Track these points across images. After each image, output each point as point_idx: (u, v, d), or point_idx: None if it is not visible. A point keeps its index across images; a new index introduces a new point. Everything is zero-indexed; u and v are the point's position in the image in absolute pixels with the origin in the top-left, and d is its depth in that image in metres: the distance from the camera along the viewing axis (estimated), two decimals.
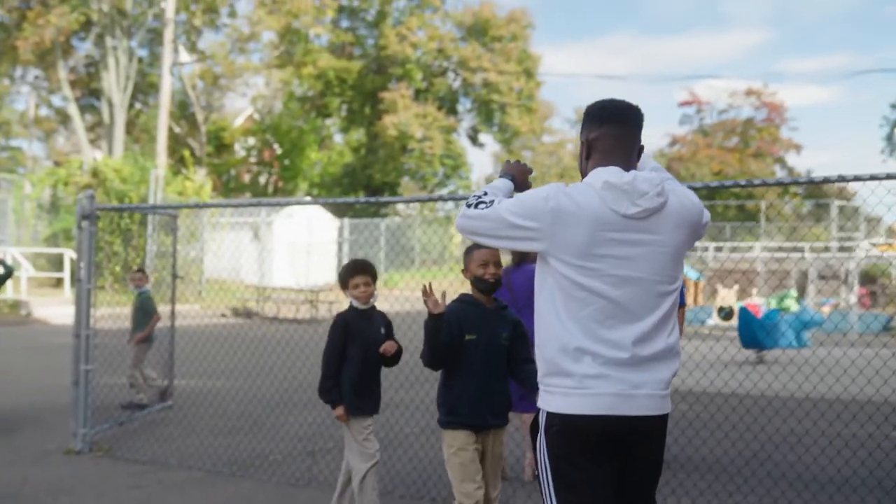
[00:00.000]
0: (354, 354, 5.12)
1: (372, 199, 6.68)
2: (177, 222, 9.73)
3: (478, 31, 44.15)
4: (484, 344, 4.34)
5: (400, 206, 41.53)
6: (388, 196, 44.43)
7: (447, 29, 44.94)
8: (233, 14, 41.41)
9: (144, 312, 9.55)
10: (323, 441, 7.78)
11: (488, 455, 4.45)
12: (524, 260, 6.64)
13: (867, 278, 26.67)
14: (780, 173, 47.22)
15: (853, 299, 23.58)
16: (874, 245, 26.28)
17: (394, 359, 5.17)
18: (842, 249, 26.72)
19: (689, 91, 55.03)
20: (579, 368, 2.76)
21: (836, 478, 6.36)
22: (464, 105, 46.79)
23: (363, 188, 43.87)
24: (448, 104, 45.26)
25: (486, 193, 3.01)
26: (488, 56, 43.07)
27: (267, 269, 28.12)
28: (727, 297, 20.99)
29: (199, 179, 28.92)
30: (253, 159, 45.07)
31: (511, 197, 3.01)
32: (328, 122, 46.61)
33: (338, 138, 47.62)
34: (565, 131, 53.87)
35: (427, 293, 4.17)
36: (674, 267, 2.90)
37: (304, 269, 29.20)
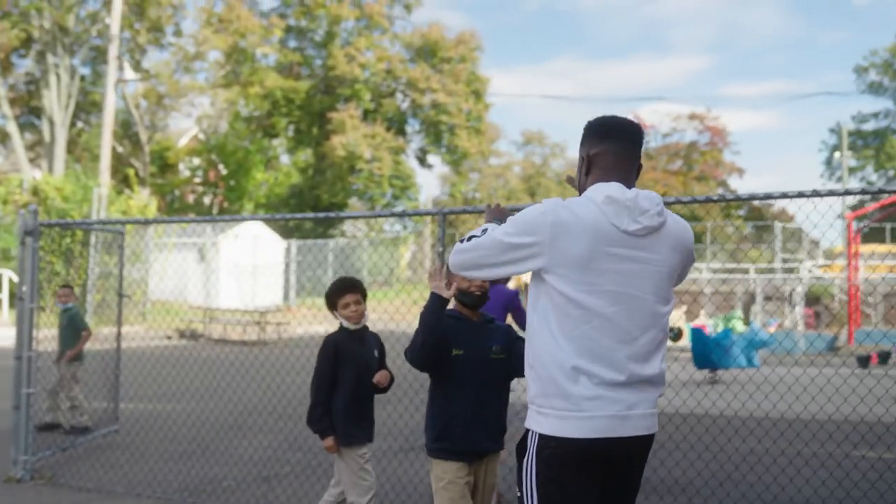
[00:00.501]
0: (346, 379, 4.79)
1: (333, 215, 6.52)
2: (124, 238, 9.43)
3: (426, 52, 44.31)
4: (473, 360, 4.04)
5: (347, 228, 41.28)
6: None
7: (396, 50, 45.06)
8: (178, 33, 41.03)
9: (73, 329, 9.09)
10: (279, 466, 7.53)
11: (480, 487, 4.16)
12: (496, 280, 6.50)
13: (811, 299, 27.06)
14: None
15: (798, 319, 23.90)
16: (817, 266, 26.71)
17: (386, 388, 4.90)
18: (785, 270, 27.11)
19: (634, 115, 55.70)
20: (575, 389, 2.70)
21: (796, 497, 6.31)
22: (412, 126, 46.96)
23: (310, 209, 43.53)
24: (397, 125, 45.28)
25: (476, 234, 2.97)
26: (437, 77, 43.25)
27: (213, 291, 27.62)
28: (675, 318, 21.12)
29: (144, 199, 28.37)
30: (198, 179, 44.50)
31: None
32: (275, 142, 46.28)
33: (284, 159, 47.28)
34: (512, 154, 54.24)
35: (434, 275, 3.87)
36: (668, 288, 2.87)
37: (250, 291, 28.77)
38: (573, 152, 60.66)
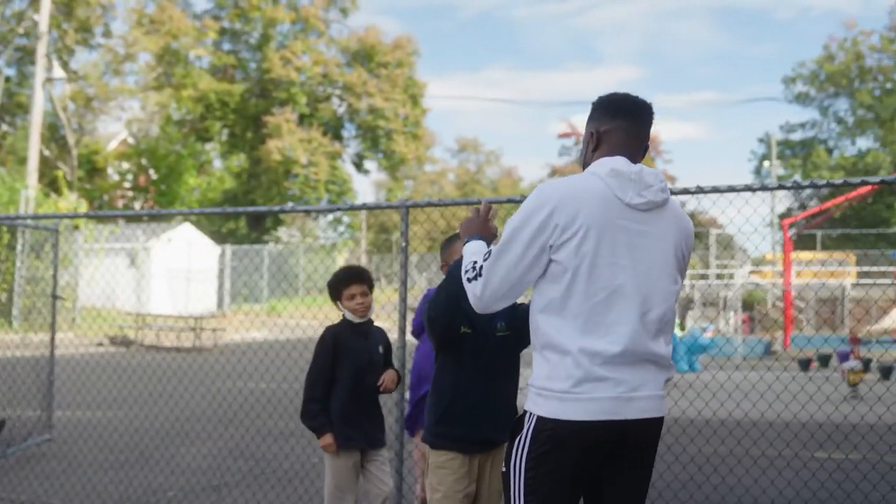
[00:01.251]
0: (345, 376, 4.44)
1: (289, 209, 6.24)
2: (58, 237, 8.97)
3: (363, 56, 43.98)
4: (481, 338, 3.61)
5: (282, 234, 40.73)
6: (271, 223, 43.64)
7: (332, 54, 44.62)
8: (107, 34, 40.01)
9: None
10: (227, 475, 7.19)
11: (484, 490, 3.68)
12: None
13: (745, 305, 27.46)
14: None
15: (734, 325, 24.20)
16: (751, 272, 27.11)
17: (392, 390, 4.58)
18: (719, 277, 27.47)
19: (568, 123, 56.17)
20: (577, 370, 2.58)
21: (761, 498, 6.23)
22: (349, 131, 46.52)
23: (245, 215, 42.78)
24: (333, 130, 44.85)
25: (473, 262, 2.80)
26: (374, 82, 42.95)
27: (144, 296, 26.90)
28: None
29: (73, 202, 27.49)
30: (127, 184, 43.44)
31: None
32: (208, 146, 45.45)
33: (218, 163, 46.46)
34: (447, 161, 54.20)
35: (473, 219, 3.06)
36: (674, 266, 2.78)
37: (183, 296, 28.10)
38: (508, 160, 60.99)
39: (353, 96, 43.42)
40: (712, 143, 77.68)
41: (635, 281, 2.64)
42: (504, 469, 2.70)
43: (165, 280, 27.92)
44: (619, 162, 2.72)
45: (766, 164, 48.34)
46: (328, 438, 4.36)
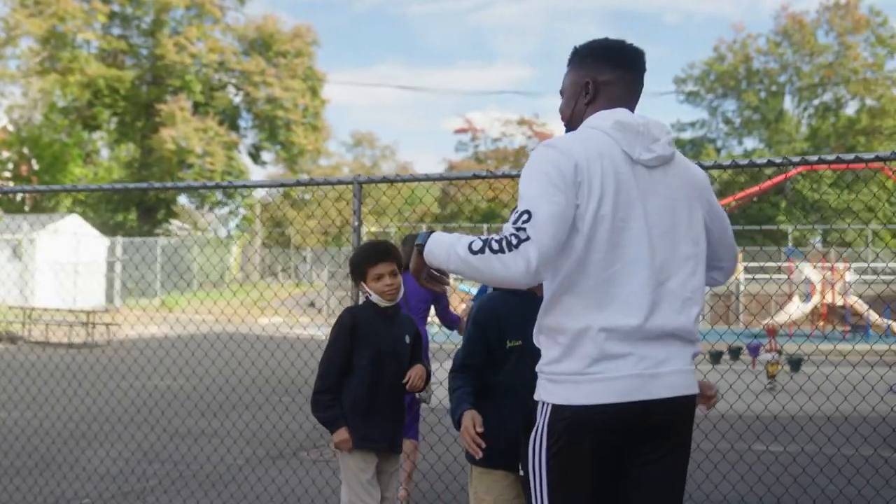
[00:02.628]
0: (364, 364, 3.92)
1: (226, 184, 5.81)
2: None
3: (261, 45, 42.96)
4: (529, 351, 2.73)
5: (174, 227, 39.48)
6: (163, 215, 42.26)
7: (229, 42, 43.44)
8: None
9: None
10: (143, 480, 6.66)
11: None
12: None
13: None
14: None
15: None
16: None
17: (421, 388, 4.07)
18: None
19: (465, 119, 56.35)
20: (593, 348, 2.30)
21: (695, 494, 6.12)
22: (246, 121, 45.40)
23: (136, 206, 41.30)
24: (229, 119, 43.65)
25: (486, 239, 2.30)
26: (273, 71, 41.98)
27: (28, 290, 25.56)
28: None
29: None
30: (7, 174, 41.30)
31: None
32: (95, 135, 43.61)
33: (105, 153, 44.70)
34: (342, 155, 53.67)
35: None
36: (693, 226, 2.50)
37: (71, 291, 26.85)
38: (403, 155, 60.57)
39: (250, 85, 42.35)
40: None
41: (650, 247, 2.37)
42: (522, 472, 2.45)
43: (52, 273, 26.62)
44: (623, 114, 2.47)
45: None
46: (342, 433, 3.85)
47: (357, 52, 79.30)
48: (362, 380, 3.91)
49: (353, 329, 3.94)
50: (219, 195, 42.06)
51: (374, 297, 3.97)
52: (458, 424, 2.99)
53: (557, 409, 2.33)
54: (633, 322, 2.31)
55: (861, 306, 20.19)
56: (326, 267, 30.05)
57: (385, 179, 5.20)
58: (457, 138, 53.59)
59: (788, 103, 49.28)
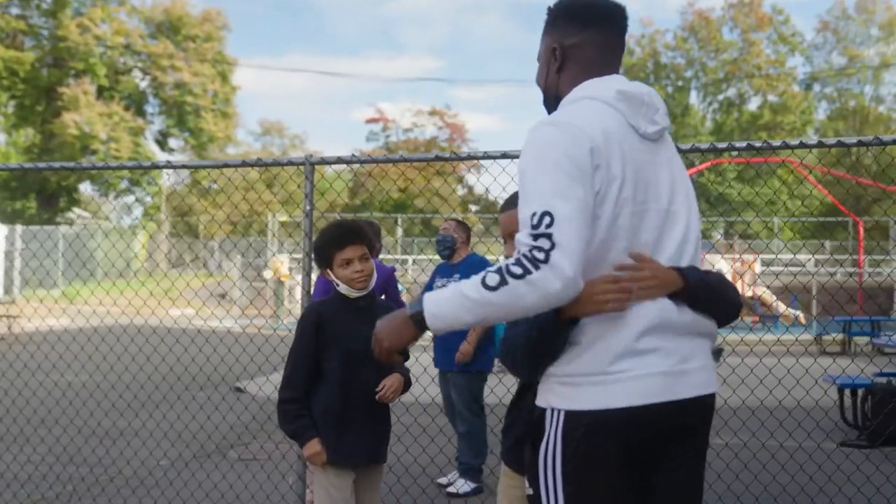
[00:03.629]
0: (335, 368, 3.44)
1: (179, 164, 5.50)
2: None
3: (169, 28, 41.77)
4: None
5: (75, 215, 38.15)
6: (65, 203, 40.80)
7: (135, 24, 42.10)
8: None
9: None
10: (58, 485, 6.29)
11: None
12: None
13: None
14: (461, 192, 49.31)
15: None
16: None
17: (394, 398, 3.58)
18: None
19: (376, 109, 55.94)
20: (615, 342, 2.04)
21: None
22: (153, 106, 44.13)
23: (35, 193, 39.74)
24: (136, 104, 42.33)
25: (507, 263, 1.98)
26: (181, 55, 40.89)
27: None
28: None
29: None
30: None
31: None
32: None
33: (1, 138, 42.87)
34: (250, 143, 52.72)
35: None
36: (692, 204, 2.29)
37: None
38: (313, 144, 59.76)
39: (157, 69, 41.16)
40: (516, 132, 79.62)
41: (669, 231, 2.16)
42: (531, 491, 2.12)
43: None
44: (623, 81, 2.22)
45: None
46: (314, 446, 3.40)
47: (267, 40, 77.97)
48: (333, 385, 3.45)
49: (318, 328, 3.47)
50: (125, 183, 40.84)
51: (343, 287, 3.49)
52: None
53: (573, 417, 2.05)
54: (661, 312, 2.08)
55: (769, 297, 20.72)
56: (240, 257, 29.43)
57: (340, 160, 4.94)
58: (368, 128, 53.14)
59: (694, 98, 50.47)
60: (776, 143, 4.45)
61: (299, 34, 79.17)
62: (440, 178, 48.77)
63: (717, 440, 7.18)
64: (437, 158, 4.71)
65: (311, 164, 4.77)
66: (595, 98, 2.17)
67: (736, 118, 47.52)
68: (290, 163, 4.92)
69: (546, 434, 2.09)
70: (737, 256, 21.68)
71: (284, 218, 31.79)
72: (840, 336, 15.69)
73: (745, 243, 25.64)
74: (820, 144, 4.38)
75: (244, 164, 4.96)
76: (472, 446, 6.18)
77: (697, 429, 2.19)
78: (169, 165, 5.33)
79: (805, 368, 5.70)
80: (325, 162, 4.91)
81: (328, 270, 3.50)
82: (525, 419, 2.20)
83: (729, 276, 20.27)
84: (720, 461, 5.67)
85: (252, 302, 26.11)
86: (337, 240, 3.47)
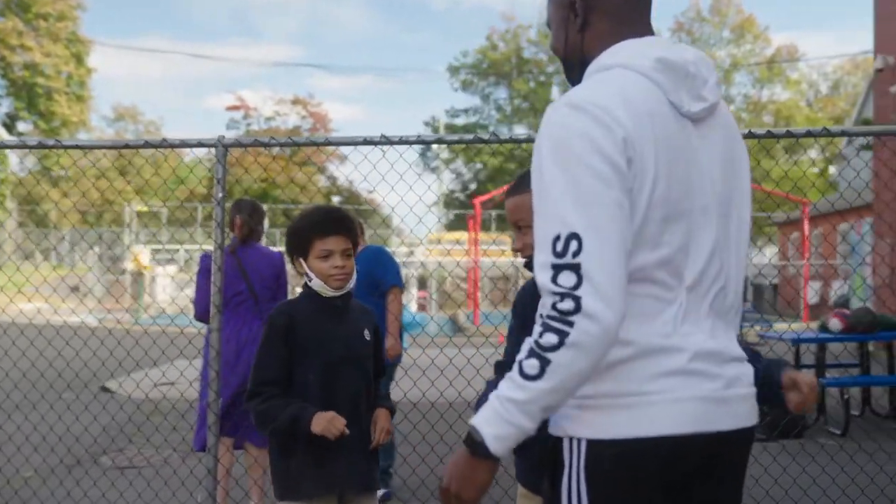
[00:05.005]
0: (311, 380, 2.93)
1: (87, 144, 5.04)
2: None
3: (18, 4, 39.59)
4: None
5: None
6: None
7: None
8: None
9: None
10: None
11: None
12: (251, 235, 5.20)
13: (421, 282, 28.21)
14: (323, 181, 49.01)
15: (413, 303, 24.73)
16: (431, 251, 27.87)
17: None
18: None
19: (237, 96, 54.73)
20: (653, 360, 1.68)
21: (503, 477, 6.05)
22: (1, 87, 41.79)
23: None
24: None
25: (539, 333, 1.61)
26: (32, 34, 38.81)
27: None
28: None
29: None
30: None
31: None
32: None
33: None
34: (102, 129, 50.73)
35: None
36: (744, 197, 1.89)
37: None
38: (169, 131, 57.66)
39: (6, 49, 38.97)
40: (377, 124, 79.41)
41: (713, 235, 1.77)
42: None
43: None
44: (665, 45, 1.80)
45: (434, 147, 50.26)
46: (319, 420, 2.78)
47: (122, 22, 74.96)
48: (310, 401, 2.89)
49: (288, 333, 2.92)
50: None
51: (316, 283, 2.98)
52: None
53: (597, 447, 1.68)
54: (701, 330, 1.76)
55: None
56: (97, 248, 28.17)
57: (256, 143, 4.59)
58: (228, 116, 51.94)
59: (556, 93, 51.53)
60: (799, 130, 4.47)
61: (157, 18, 76.58)
62: (304, 167, 48.23)
63: None
64: (366, 142, 4.42)
65: (223, 147, 4.45)
66: (629, 67, 1.74)
67: None
68: (201, 144, 4.54)
69: (566, 468, 1.72)
70: None
71: (142, 207, 30.65)
72: None
73: None
74: None
75: (147, 144, 4.56)
76: (385, 447, 5.97)
77: (737, 466, 1.86)
78: (59, 145, 4.79)
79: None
80: (239, 144, 4.60)
81: (301, 261, 3.01)
82: (542, 439, 1.80)
83: None
84: None
85: (108, 293, 25.06)
86: (320, 225, 2.97)
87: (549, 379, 1.57)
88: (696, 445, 1.69)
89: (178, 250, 29.75)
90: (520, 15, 77.01)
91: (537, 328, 1.60)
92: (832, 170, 35.94)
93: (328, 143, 4.48)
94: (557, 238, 1.59)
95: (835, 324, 8.09)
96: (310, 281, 2.99)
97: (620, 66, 1.76)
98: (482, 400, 2.04)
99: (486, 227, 31.88)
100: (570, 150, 1.63)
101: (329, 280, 2.95)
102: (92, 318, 16.72)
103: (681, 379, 1.68)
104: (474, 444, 1.64)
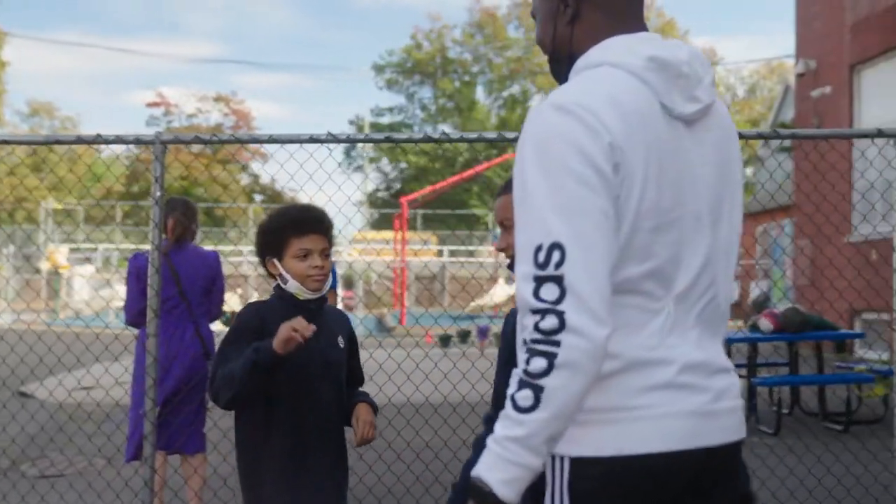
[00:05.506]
0: (284, 393, 2.71)
1: (42, 139, 4.73)
2: None
3: None
4: None
5: None
6: None
7: None
8: None
9: None
10: None
11: None
12: (184, 235, 4.95)
13: (347, 282, 28.00)
14: (245, 180, 48.40)
15: (339, 304, 24.53)
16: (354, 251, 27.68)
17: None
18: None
19: (157, 93, 53.58)
20: (639, 375, 1.60)
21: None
22: None
23: None
24: None
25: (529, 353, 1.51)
26: None
27: None
28: (230, 300, 20.37)
29: None
30: None
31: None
32: None
33: None
34: (16, 124, 49.28)
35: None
36: (735, 203, 1.80)
37: None
38: (87, 128, 56.11)
39: None
40: (301, 123, 78.59)
41: (700, 238, 1.68)
42: None
43: None
44: (656, 42, 1.70)
45: (360, 146, 49.97)
46: (281, 334, 2.51)
47: (38, 16, 72.62)
48: (277, 413, 2.72)
49: (258, 335, 2.67)
50: None
51: (292, 285, 2.78)
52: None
53: (581, 464, 1.59)
54: (689, 343, 1.68)
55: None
56: (12, 247, 27.22)
57: (197, 140, 4.39)
58: (148, 112, 50.86)
59: (481, 93, 51.76)
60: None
61: (73, 11, 74.43)
62: (226, 165, 47.42)
63: None
64: (312, 140, 4.25)
65: (161, 143, 4.21)
66: (618, 65, 1.64)
67: (520, 115, 49.16)
68: (139, 141, 4.29)
69: (549, 487, 1.63)
70: None
71: (56, 205, 29.76)
72: None
73: None
74: None
75: (80, 140, 4.33)
76: None
77: (724, 484, 1.75)
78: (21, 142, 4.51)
79: None
80: (179, 141, 4.39)
81: (275, 261, 2.80)
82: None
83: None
84: None
85: (19, 294, 24.20)
86: (298, 223, 2.78)
87: (545, 407, 1.47)
88: (686, 462, 1.61)
89: (95, 250, 28.93)
90: (446, 15, 77.36)
91: (522, 356, 1.50)
92: (748, 171, 36.85)
93: (272, 140, 4.27)
94: (539, 248, 1.50)
95: (765, 324, 8.21)
96: (284, 283, 2.80)
97: (610, 63, 1.67)
98: (470, 465, 1.98)
99: (411, 226, 31.81)
100: (553, 155, 1.54)
101: (307, 281, 2.77)
102: (3, 319, 16.10)
103: (668, 393, 1.60)
104: (483, 495, 1.50)
